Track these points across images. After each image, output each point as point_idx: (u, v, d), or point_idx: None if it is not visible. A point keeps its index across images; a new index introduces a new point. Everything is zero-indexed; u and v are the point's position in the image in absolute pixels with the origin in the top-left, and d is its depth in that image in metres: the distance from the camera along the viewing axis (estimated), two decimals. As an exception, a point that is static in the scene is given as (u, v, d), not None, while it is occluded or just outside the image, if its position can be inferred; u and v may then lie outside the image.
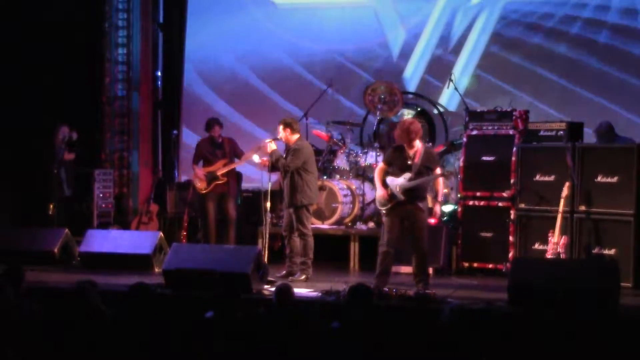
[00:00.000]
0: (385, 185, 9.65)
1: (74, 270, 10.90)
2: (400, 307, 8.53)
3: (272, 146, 10.49)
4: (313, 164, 10.62)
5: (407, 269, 10.36)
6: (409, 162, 9.57)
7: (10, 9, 13.74)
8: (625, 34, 12.74)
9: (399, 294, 8.86)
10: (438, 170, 9.73)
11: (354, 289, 7.10)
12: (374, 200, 11.23)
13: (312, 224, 10.89)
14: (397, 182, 9.57)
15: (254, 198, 13.29)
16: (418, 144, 9.61)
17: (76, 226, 12.09)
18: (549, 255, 10.07)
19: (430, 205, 10.03)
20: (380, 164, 9.95)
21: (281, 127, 10.50)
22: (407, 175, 9.53)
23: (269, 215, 10.81)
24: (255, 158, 10.84)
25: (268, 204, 10.55)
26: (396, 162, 9.68)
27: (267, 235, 10.71)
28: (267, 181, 10.64)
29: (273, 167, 10.58)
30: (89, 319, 6.75)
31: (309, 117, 12.78)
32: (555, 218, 10.19)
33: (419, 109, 13.06)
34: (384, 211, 9.70)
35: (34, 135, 13.52)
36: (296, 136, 10.50)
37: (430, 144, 12.36)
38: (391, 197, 9.57)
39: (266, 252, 10.46)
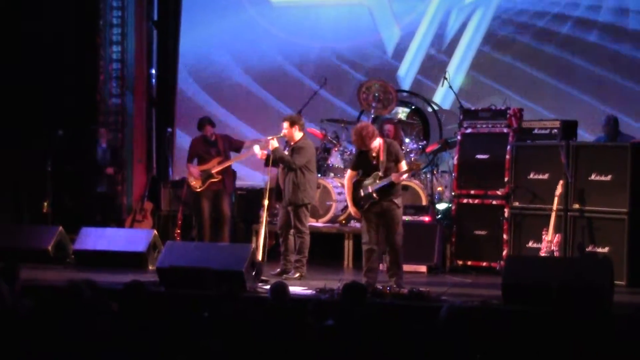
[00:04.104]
0: (356, 190, 9.59)
1: (69, 268, 10.90)
2: (394, 305, 8.54)
3: (274, 144, 10.41)
4: (314, 164, 10.61)
5: (406, 267, 10.25)
6: (375, 162, 9.54)
7: (5, 9, 13.71)
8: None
9: (393, 292, 8.87)
10: (404, 166, 9.60)
11: (348, 287, 7.10)
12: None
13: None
14: (368, 183, 9.53)
15: (248, 196, 13.29)
16: (377, 142, 9.53)
17: (70, 224, 12.07)
18: (542, 253, 10.09)
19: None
20: (349, 172, 9.85)
21: (287, 123, 10.44)
22: (377, 174, 9.50)
23: (265, 212, 10.74)
24: (256, 149, 10.67)
25: (266, 202, 10.46)
26: (363, 166, 9.63)
27: (267, 233, 10.65)
28: (266, 178, 10.55)
29: (273, 162, 10.51)
30: (84, 317, 6.74)
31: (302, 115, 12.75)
32: (549, 216, 10.21)
33: (413, 107, 13.05)
34: (360, 213, 9.66)
35: (28, 133, 13.49)
36: (301, 134, 10.48)
37: (425, 142, 12.40)
38: (366, 198, 9.55)
39: (264, 250, 10.40)
